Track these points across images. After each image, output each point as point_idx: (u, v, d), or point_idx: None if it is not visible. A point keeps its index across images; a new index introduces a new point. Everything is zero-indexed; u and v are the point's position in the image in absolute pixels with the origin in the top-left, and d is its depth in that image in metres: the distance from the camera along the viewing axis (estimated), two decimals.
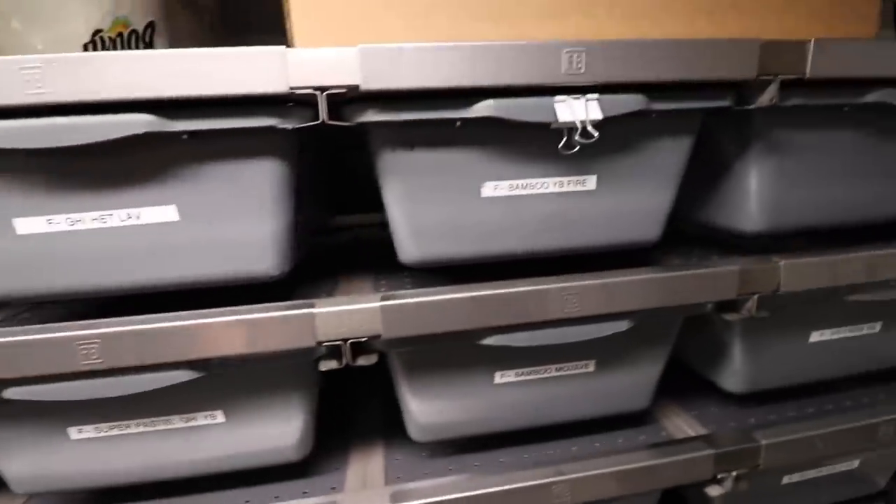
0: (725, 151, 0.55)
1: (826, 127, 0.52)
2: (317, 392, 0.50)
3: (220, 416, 0.48)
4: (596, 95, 0.41)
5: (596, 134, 0.40)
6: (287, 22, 0.45)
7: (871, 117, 0.52)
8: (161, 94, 0.36)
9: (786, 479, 0.62)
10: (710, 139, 0.57)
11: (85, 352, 0.39)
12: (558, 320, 0.46)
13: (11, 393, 0.40)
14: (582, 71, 0.39)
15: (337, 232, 0.84)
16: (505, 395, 0.53)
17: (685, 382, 0.68)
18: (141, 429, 0.46)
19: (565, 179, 0.47)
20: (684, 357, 0.70)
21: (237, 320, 0.41)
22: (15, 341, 0.39)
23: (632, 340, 0.53)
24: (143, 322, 0.40)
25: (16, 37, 0.53)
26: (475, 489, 0.47)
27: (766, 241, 0.64)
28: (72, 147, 0.36)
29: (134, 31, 0.57)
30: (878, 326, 0.62)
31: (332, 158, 0.82)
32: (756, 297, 0.50)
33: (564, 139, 0.42)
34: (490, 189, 0.46)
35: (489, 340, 0.45)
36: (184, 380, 0.42)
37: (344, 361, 0.42)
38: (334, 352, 0.43)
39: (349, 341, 0.42)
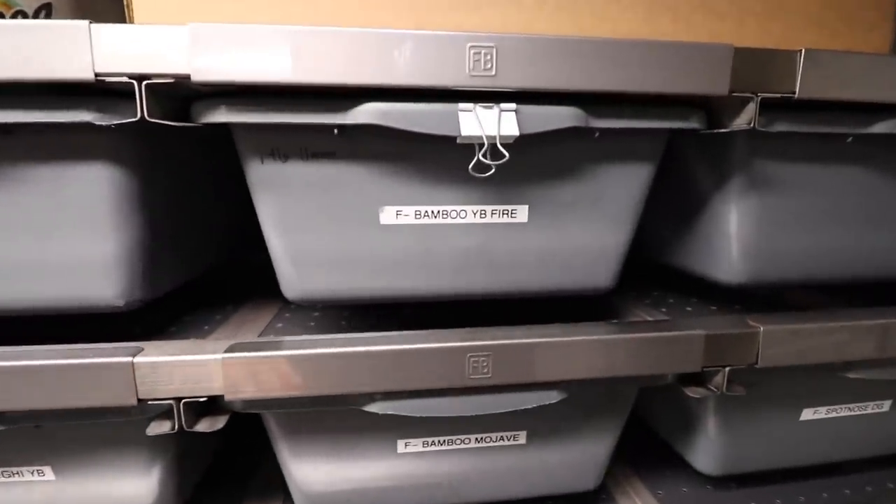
0: (701, 184, 0.46)
1: (823, 160, 0.42)
2: (179, 449, 0.41)
3: (48, 473, 0.39)
4: (512, 105, 0.32)
5: (507, 154, 0.31)
6: None
7: (880, 151, 0.42)
8: None
9: None
10: (683, 168, 0.47)
11: None
12: (463, 389, 0.36)
13: None
14: (492, 73, 0.30)
15: (254, 254, 0.74)
16: (412, 466, 0.43)
17: (651, 451, 0.58)
18: None
19: (489, 209, 0.38)
20: (650, 421, 0.59)
21: (37, 366, 0.32)
22: None
23: (572, 410, 0.43)
24: None
25: None
26: None
27: (752, 292, 0.54)
28: None
29: (20, 12, 0.49)
30: (886, 405, 0.51)
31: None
32: (727, 370, 0.40)
33: (475, 159, 0.33)
34: (390, 215, 0.37)
35: (373, 407, 0.36)
36: None
37: (176, 425, 0.33)
38: (169, 412, 0.33)
39: (183, 401, 0.33)
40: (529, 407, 0.37)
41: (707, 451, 0.50)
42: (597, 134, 0.35)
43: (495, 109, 0.31)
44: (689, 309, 0.51)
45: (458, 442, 0.43)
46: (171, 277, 0.43)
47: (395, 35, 0.29)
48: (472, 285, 0.40)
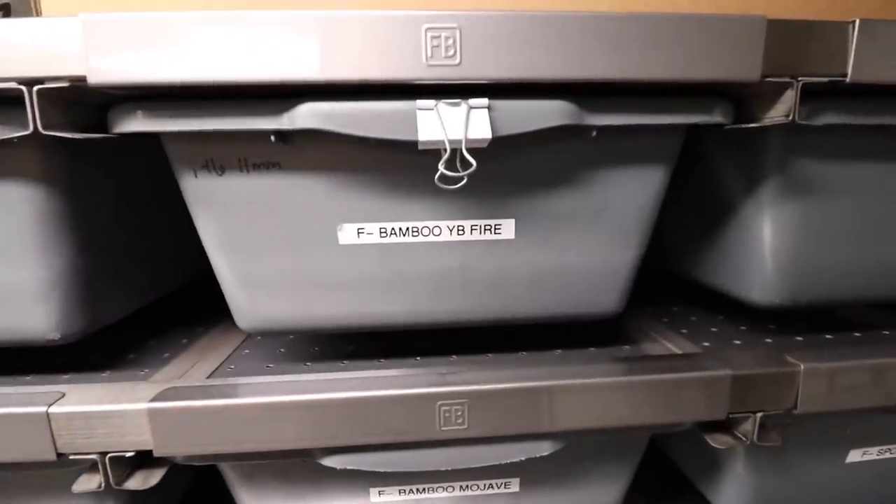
0: (728, 189, 0.38)
1: (878, 159, 0.34)
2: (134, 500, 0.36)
3: None
4: (484, 101, 0.25)
5: (474, 163, 0.25)
6: None
7: None
8: None
9: None
10: (707, 170, 0.40)
11: None
12: (436, 441, 0.30)
13: None
14: (456, 61, 0.24)
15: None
16: None
17: (670, 487, 0.51)
18: None
19: (467, 224, 0.32)
20: (669, 452, 0.52)
21: None
22: None
23: (574, 454, 0.37)
24: None
25: None
26: None
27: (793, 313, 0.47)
28: None
29: None
30: None
31: None
32: (758, 415, 0.33)
33: (439, 169, 0.27)
34: (350, 234, 0.31)
35: (330, 461, 0.30)
36: None
37: (101, 482, 0.28)
38: (94, 466, 0.29)
39: (108, 455, 0.28)
40: (518, 459, 0.31)
41: (736, 495, 0.43)
42: (594, 133, 0.29)
43: (463, 107, 0.25)
44: (713, 330, 0.44)
45: (440, 490, 0.37)
46: (122, 303, 0.39)
47: (334, 17, 0.24)
48: (452, 312, 0.35)
